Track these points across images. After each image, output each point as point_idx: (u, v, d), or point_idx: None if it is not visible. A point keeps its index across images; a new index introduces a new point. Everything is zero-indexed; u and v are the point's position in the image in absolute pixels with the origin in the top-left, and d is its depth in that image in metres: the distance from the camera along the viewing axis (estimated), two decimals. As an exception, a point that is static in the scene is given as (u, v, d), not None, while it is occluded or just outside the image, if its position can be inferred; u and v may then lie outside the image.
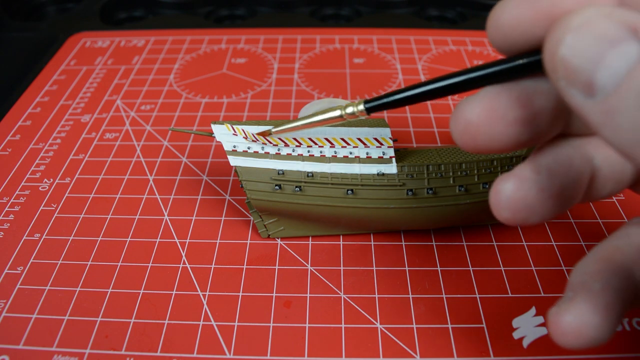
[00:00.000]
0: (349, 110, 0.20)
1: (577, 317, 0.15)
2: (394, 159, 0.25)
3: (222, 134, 0.25)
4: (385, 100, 0.19)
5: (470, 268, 0.26)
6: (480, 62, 0.16)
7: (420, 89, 0.18)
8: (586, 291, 0.16)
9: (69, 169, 0.32)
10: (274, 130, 0.24)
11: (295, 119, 0.23)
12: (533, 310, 0.24)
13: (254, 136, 0.25)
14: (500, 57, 0.16)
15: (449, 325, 0.23)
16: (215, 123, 0.25)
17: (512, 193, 0.16)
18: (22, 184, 0.31)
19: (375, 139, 0.25)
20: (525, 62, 0.16)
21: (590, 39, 0.12)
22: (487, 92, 0.16)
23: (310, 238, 0.28)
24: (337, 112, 0.21)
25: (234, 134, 0.25)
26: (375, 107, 0.20)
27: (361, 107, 0.20)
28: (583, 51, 0.13)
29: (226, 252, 0.27)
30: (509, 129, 0.16)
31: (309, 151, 0.25)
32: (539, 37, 0.15)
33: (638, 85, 0.12)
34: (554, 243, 0.27)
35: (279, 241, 0.28)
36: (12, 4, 0.53)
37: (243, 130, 0.25)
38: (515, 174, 0.16)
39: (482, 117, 0.16)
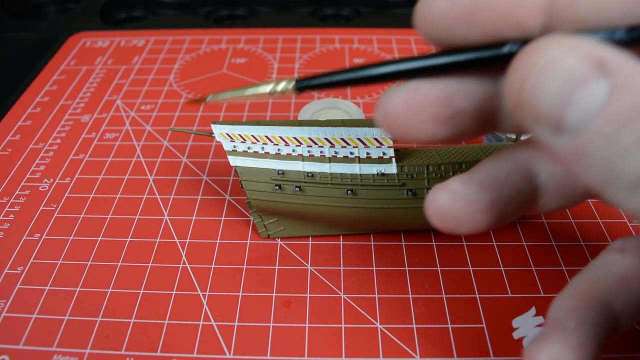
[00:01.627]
0: (280, 87, 0.20)
1: (550, 358, 0.15)
2: (394, 159, 0.25)
3: (222, 134, 0.25)
4: (315, 81, 0.19)
5: (470, 268, 0.26)
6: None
7: (346, 75, 0.17)
8: (560, 330, 0.16)
9: (69, 169, 0.32)
10: (209, 99, 0.22)
11: (231, 89, 0.21)
12: (533, 310, 0.24)
13: (254, 138, 0.25)
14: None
15: (449, 325, 0.23)
16: (215, 123, 0.25)
17: (440, 204, 0.16)
18: (22, 184, 0.31)
19: (375, 139, 0.25)
20: (445, 63, 0.15)
21: (558, 79, 0.12)
22: (408, 85, 0.16)
23: (310, 238, 0.28)
24: (268, 88, 0.20)
25: (231, 141, 0.25)
26: (305, 86, 0.19)
27: (292, 84, 0.19)
28: (551, 92, 0.12)
29: (226, 252, 0.27)
30: (425, 125, 0.16)
31: (309, 151, 0.25)
32: (460, 37, 0.15)
33: (608, 128, 0.11)
34: (554, 243, 0.27)
35: (279, 241, 0.28)
36: (12, 4, 0.53)
37: (240, 135, 0.25)
38: (446, 186, 0.17)
39: (399, 110, 0.16)
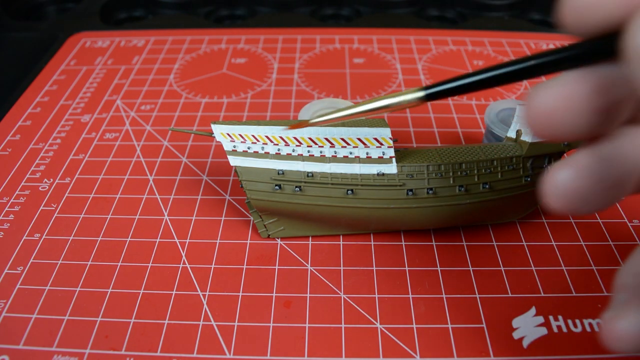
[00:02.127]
0: (408, 97, 0.19)
1: (633, 324, 0.15)
2: (394, 159, 0.25)
3: (222, 133, 0.25)
4: (447, 86, 0.18)
5: (470, 268, 0.26)
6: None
7: (488, 74, 0.17)
8: None
9: (69, 169, 0.32)
10: (311, 121, 0.22)
11: (338, 110, 0.21)
12: (533, 310, 0.24)
13: (254, 138, 0.25)
14: (569, 42, 0.16)
15: (449, 325, 0.23)
16: (215, 123, 0.25)
17: (568, 182, 0.15)
18: (22, 184, 0.31)
19: (375, 139, 0.25)
20: (603, 46, 0.15)
21: None
22: (565, 78, 0.15)
23: (310, 238, 0.28)
24: (395, 100, 0.19)
25: (231, 141, 0.25)
26: (436, 93, 0.18)
27: (421, 93, 0.18)
28: None
29: (226, 252, 0.27)
30: (588, 117, 0.15)
31: (309, 151, 0.25)
32: (617, 19, 0.14)
33: None
34: (554, 243, 0.27)
35: (279, 241, 0.28)
36: (12, 4, 0.53)
37: (240, 135, 0.25)
38: (572, 162, 0.16)
39: (561, 104, 0.15)
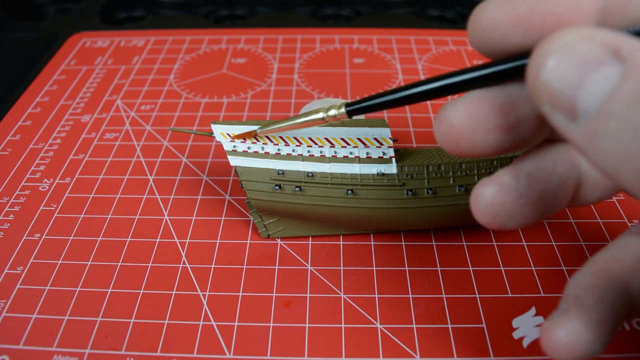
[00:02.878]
0: (331, 112, 0.21)
1: (569, 333, 0.15)
2: (394, 159, 0.25)
3: (222, 134, 0.25)
4: (365, 104, 0.19)
5: (470, 268, 0.26)
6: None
7: (400, 94, 0.18)
8: (579, 306, 0.16)
9: (69, 169, 0.32)
10: (259, 131, 0.24)
11: (281, 120, 0.23)
12: (533, 310, 0.24)
13: (254, 138, 0.25)
14: (482, 60, 0.16)
15: (449, 325, 0.23)
16: (215, 123, 0.25)
17: (490, 198, 0.16)
18: (22, 184, 0.31)
19: (375, 139, 0.25)
20: (505, 69, 0.15)
21: (570, 62, 0.12)
22: (470, 96, 0.16)
23: (310, 238, 0.28)
24: (320, 115, 0.21)
25: (231, 141, 0.25)
26: (356, 110, 0.20)
27: (342, 110, 0.20)
28: (564, 75, 0.12)
29: (226, 252, 0.27)
30: (492, 134, 0.16)
31: (309, 151, 0.25)
32: (516, 44, 0.15)
33: (619, 109, 0.12)
34: (554, 243, 0.27)
35: (279, 241, 0.28)
36: (12, 4, 0.53)
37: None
38: (494, 179, 0.16)
39: (464, 121, 0.16)
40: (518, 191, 0.16)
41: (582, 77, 0.12)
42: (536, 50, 0.13)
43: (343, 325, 0.23)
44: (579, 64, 0.12)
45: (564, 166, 0.17)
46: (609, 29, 0.13)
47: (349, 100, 0.20)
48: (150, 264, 0.26)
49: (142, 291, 0.25)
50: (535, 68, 0.13)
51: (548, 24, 0.14)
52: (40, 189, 0.31)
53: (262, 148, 0.25)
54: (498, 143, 0.16)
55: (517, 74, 0.15)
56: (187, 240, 0.28)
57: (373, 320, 0.24)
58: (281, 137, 0.25)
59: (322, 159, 0.25)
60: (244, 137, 0.25)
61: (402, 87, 0.18)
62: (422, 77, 0.41)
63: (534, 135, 0.17)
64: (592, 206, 0.29)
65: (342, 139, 0.25)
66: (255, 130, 0.24)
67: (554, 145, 0.17)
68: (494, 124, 0.16)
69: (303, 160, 0.25)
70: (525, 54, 0.15)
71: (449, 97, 0.18)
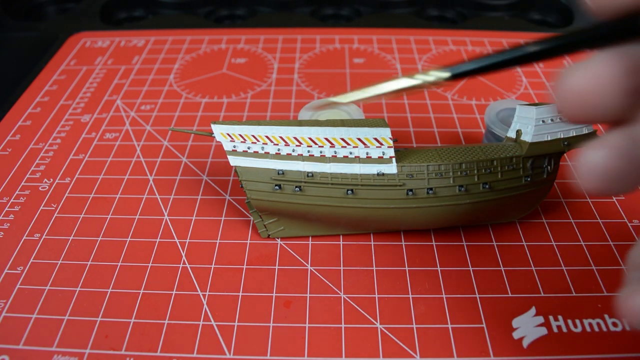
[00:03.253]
0: (430, 77, 0.18)
1: None
2: (393, 159, 0.25)
3: (222, 134, 0.25)
4: (475, 66, 0.18)
5: (470, 268, 0.26)
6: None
7: (515, 53, 0.17)
8: None
9: (69, 169, 0.32)
10: (335, 99, 0.21)
11: (365, 87, 0.20)
12: (533, 310, 0.24)
13: (254, 138, 0.25)
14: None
15: (449, 325, 0.23)
16: (215, 123, 0.25)
17: (602, 161, 0.15)
18: (22, 184, 0.31)
19: (375, 139, 0.25)
20: (632, 25, 0.15)
21: None
22: (596, 60, 0.15)
23: (310, 238, 0.28)
24: (416, 80, 0.19)
25: (231, 141, 0.25)
26: (463, 73, 0.18)
27: (446, 74, 0.18)
28: None
29: (226, 252, 0.27)
30: (619, 98, 0.15)
31: (309, 151, 0.25)
32: None
33: None
34: (553, 243, 0.27)
35: (279, 241, 0.28)
36: (12, 4, 0.53)
37: (240, 135, 0.25)
38: (605, 142, 0.15)
39: (592, 86, 0.15)
40: (629, 155, 0.15)
41: None
42: None
43: (343, 325, 0.23)
44: None
45: None
46: None
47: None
48: (150, 264, 0.26)
49: (142, 291, 0.25)
50: None
51: None
52: (40, 189, 0.31)
53: (262, 148, 0.25)
54: (622, 107, 0.15)
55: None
56: (187, 240, 0.28)
57: (373, 320, 0.24)
58: (281, 137, 0.25)
59: (322, 159, 0.25)
60: (322, 107, 0.23)
61: (514, 48, 0.17)
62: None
63: None
64: (592, 206, 0.29)
65: (342, 139, 0.25)
66: (334, 100, 0.22)
67: None
68: (624, 87, 0.15)
69: (303, 160, 0.25)
70: None
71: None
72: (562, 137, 0.26)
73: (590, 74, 0.15)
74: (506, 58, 0.17)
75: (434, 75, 0.18)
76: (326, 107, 0.23)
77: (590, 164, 0.16)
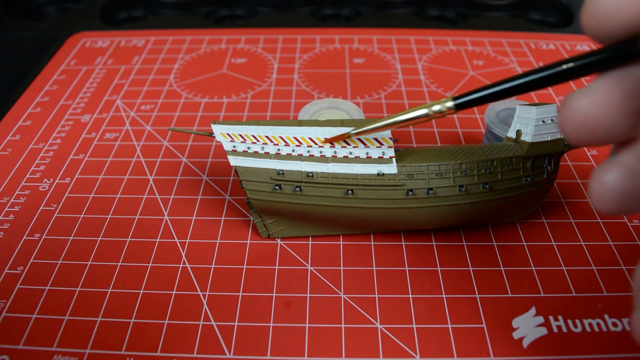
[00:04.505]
0: (436, 108, 0.20)
1: None
2: (393, 159, 0.25)
3: (222, 134, 0.25)
4: (474, 96, 0.18)
5: (470, 268, 0.26)
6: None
7: (516, 82, 0.17)
8: None
9: (69, 169, 0.32)
10: (353, 132, 0.24)
11: (376, 119, 0.23)
12: (533, 310, 0.24)
13: (254, 138, 0.25)
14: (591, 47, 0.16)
15: (449, 325, 0.23)
16: (215, 123, 0.25)
17: (618, 184, 0.15)
18: (22, 184, 0.31)
19: (375, 139, 0.25)
20: (631, 49, 0.15)
21: None
22: (600, 83, 0.15)
23: (310, 238, 0.28)
24: (424, 111, 0.20)
25: (231, 141, 0.25)
26: (464, 103, 0.19)
27: (449, 104, 0.19)
28: None
29: (226, 252, 0.27)
30: (622, 121, 0.15)
31: (308, 151, 0.25)
32: (638, 24, 0.14)
33: None
34: (554, 243, 0.27)
35: (279, 241, 0.28)
36: (12, 4, 0.53)
37: (240, 135, 0.25)
38: (619, 163, 0.15)
39: (595, 110, 0.15)
40: None
41: None
42: None
43: (343, 325, 0.23)
44: None
45: None
46: None
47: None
48: (150, 264, 0.26)
49: (142, 291, 0.25)
50: None
51: None
52: (40, 189, 0.31)
53: (262, 148, 0.25)
54: (626, 129, 0.15)
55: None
56: (187, 240, 0.28)
57: (373, 320, 0.24)
58: (281, 137, 0.25)
59: (322, 159, 0.25)
60: (336, 140, 0.25)
61: (515, 77, 0.17)
62: (422, 77, 0.41)
63: None
64: (592, 206, 0.29)
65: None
66: (349, 132, 0.24)
67: None
68: (629, 110, 0.15)
69: (303, 160, 0.25)
70: None
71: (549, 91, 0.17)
72: (562, 137, 0.26)
73: (593, 99, 0.15)
74: (504, 88, 0.18)
75: (439, 106, 0.20)
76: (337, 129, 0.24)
77: (603, 185, 0.15)
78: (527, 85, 0.17)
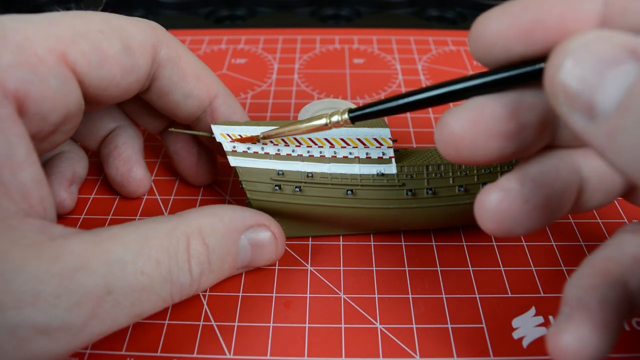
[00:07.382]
0: (334, 118, 0.21)
1: (576, 338, 0.15)
2: (393, 159, 0.25)
3: (222, 134, 0.25)
4: (368, 110, 0.19)
5: (470, 268, 0.26)
6: (474, 71, 0.16)
7: (403, 100, 0.18)
8: (583, 308, 0.16)
9: (69, 169, 0.32)
10: (261, 136, 0.24)
11: (282, 125, 0.24)
12: (533, 310, 0.24)
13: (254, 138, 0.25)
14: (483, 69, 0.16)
15: (449, 325, 0.23)
16: (215, 123, 0.25)
17: (496, 205, 0.16)
18: (23, 184, 0.31)
19: (375, 140, 0.25)
20: (511, 75, 0.15)
21: (588, 62, 0.12)
22: (471, 103, 0.16)
23: (310, 238, 0.28)
24: (323, 121, 0.21)
25: (231, 141, 0.25)
26: (358, 116, 0.20)
27: (345, 116, 0.20)
28: (582, 74, 0.12)
29: (226, 252, 0.27)
30: (493, 142, 0.16)
31: (308, 151, 0.25)
32: (518, 54, 0.15)
33: (638, 104, 0.12)
34: (553, 243, 0.27)
35: (279, 241, 0.28)
36: (12, 4, 0.53)
37: (240, 135, 0.25)
38: (499, 185, 0.16)
39: (466, 129, 0.16)
40: (524, 196, 0.16)
41: (600, 76, 0.12)
42: (554, 52, 0.13)
43: (343, 325, 0.23)
44: (597, 63, 0.12)
45: (566, 170, 0.17)
46: (626, 32, 0.13)
47: (352, 106, 0.21)
48: (150, 264, 0.26)
49: (142, 291, 0.25)
50: (554, 69, 0.13)
51: (551, 33, 0.14)
52: (40, 189, 0.31)
53: (262, 149, 0.25)
54: (499, 150, 0.16)
55: (521, 81, 0.15)
56: (187, 241, 0.28)
57: (373, 320, 0.24)
58: (281, 138, 0.25)
59: (322, 159, 0.25)
60: (245, 141, 0.25)
61: (405, 94, 0.18)
62: (422, 78, 0.41)
63: (536, 142, 0.16)
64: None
65: (342, 140, 0.25)
66: (257, 136, 0.24)
67: (555, 150, 0.17)
68: (495, 131, 0.16)
69: (303, 161, 0.25)
70: (528, 61, 0.15)
71: (451, 105, 0.18)
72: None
73: (465, 118, 0.16)
74: (393, 105, 0.18)
75: (337, 117, 0.21)
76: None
77: (486, 206, 0.16)
78: (417, 103, 0.18)
